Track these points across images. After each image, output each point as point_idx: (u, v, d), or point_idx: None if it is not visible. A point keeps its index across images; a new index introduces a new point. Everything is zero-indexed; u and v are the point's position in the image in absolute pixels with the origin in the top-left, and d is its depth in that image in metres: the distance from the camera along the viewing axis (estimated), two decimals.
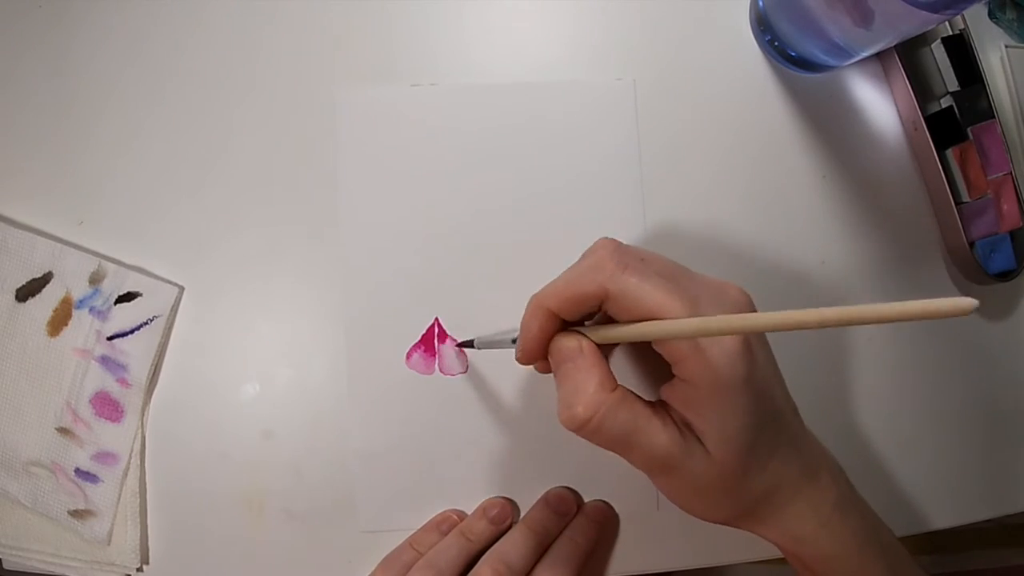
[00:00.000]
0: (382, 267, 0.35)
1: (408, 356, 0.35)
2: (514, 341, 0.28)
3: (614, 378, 0.25)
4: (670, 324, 0.23)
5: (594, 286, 0.24)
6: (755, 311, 0.26)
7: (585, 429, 0.24)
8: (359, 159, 0.35)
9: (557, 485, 0.35)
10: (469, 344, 0.33)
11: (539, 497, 0.34)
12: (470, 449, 0.35)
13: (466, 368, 0.35)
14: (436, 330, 0.35)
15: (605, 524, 0.34)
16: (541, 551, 0.32)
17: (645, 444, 0.25)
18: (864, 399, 0.37)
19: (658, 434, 0.24)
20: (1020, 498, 0.38)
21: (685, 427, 0.25)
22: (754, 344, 0.25)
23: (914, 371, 0.37)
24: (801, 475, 0.27)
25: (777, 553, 0.31)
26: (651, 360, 0.28)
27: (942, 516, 0.37)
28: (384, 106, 0.36)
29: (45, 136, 0.36)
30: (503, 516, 0.33)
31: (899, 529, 0.36)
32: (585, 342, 0.25)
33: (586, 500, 0.35)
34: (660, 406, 0.26)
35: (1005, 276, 0.36)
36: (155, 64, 0.36)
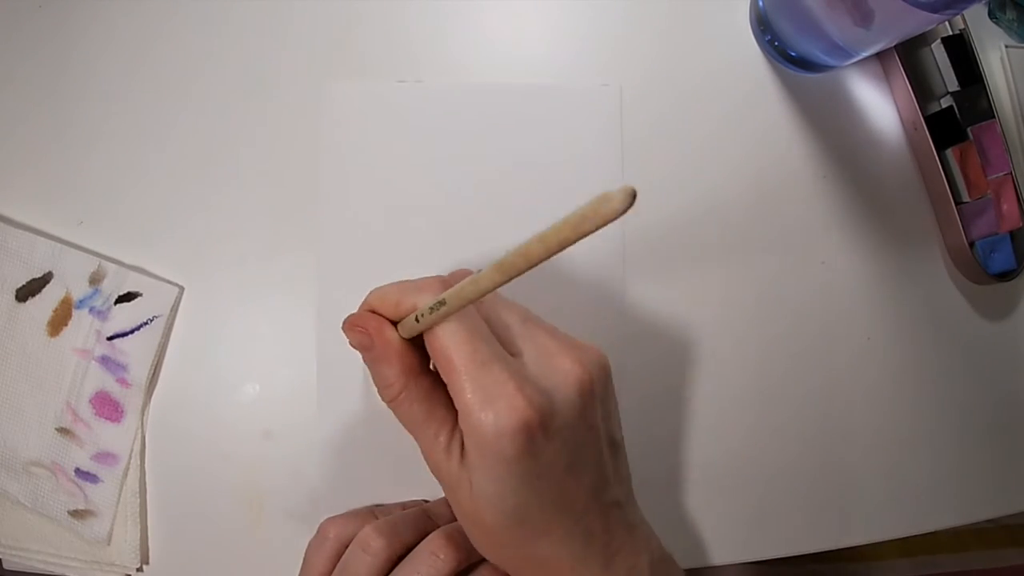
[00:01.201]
0: (359, 262, 0.35)
1: None
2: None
3: (427, 366, 0.26)
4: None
5: (407, 302, 0.24)
6: (582, 391, 0.24)
7: (395, 404, 0.25)
8: (343, 154, 0.35)
9: None
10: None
11: None
12: None
13: None
14: None
15: None
16: None
17: (428, 446, 0.25)
18: (864, 399, 0.37)
19: (440, 447, 0.24)
20: (1020, 498, 0.38)
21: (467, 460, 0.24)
22: (555, 425, 0.23)
23: (914, 371, 0.37)
24: (580, 561, 0.25)
25: (775, 553, 0.31)
26: None
27: (942, 516, 0.37)
28: (369, 101, 0.36)
29: (45, 136, 0.36)
30: None
31: (899, 529, 0.36)
32: (380, 331, 0.25)
33: None
34: (457, 427, 0.25)
35: (1005, 276, 0.36)
36: (154, 65, 0.36)
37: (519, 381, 0.22)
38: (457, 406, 0.23)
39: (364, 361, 0.26)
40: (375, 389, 0.31)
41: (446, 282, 0.25)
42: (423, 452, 0.25)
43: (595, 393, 0.24)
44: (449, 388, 0.24)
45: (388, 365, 0.25)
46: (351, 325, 0.26)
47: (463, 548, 0.28)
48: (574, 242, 0.16)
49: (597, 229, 0.15)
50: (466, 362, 0.23)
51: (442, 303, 0.22)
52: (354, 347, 0.26)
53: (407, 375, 0.25)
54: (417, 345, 0.26)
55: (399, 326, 0.25)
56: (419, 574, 0.28)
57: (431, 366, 0.26)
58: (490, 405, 0.22)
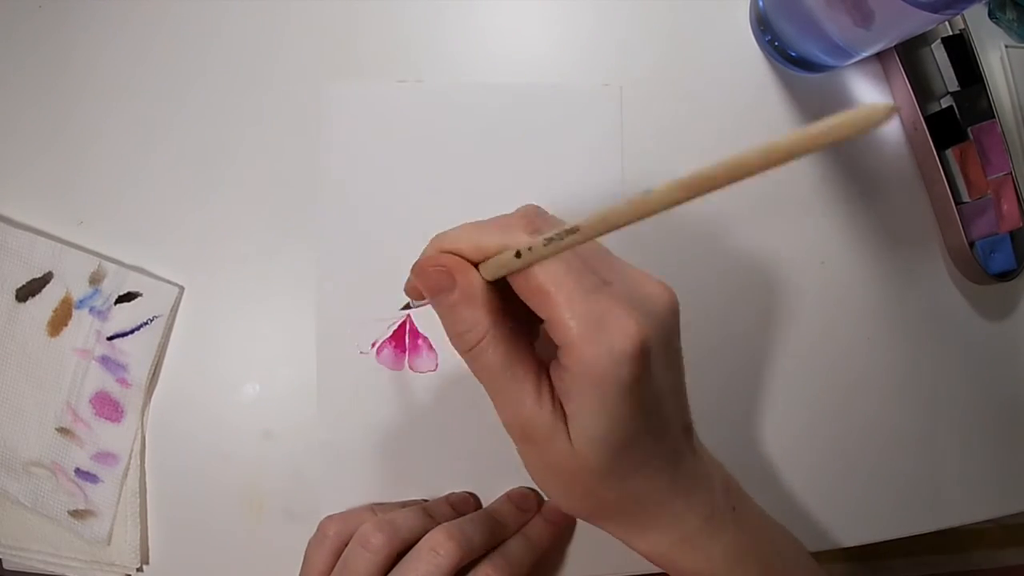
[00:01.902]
0: (358, 261, 0.35)
1: (379, 351, 0.35)
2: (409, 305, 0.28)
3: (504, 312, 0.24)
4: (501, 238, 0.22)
5: (494, 242, 0.23)
6: (675, 314, 0.24)
7: (476, 350, 0.23)
8: (343, 154, 0.35)
9: (525, 486, 0.35)
10: (407, 306, 0.31)
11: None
12: (437, 446, 0.35)
13: (436, 366, 0.35)
14: (408, 327, 0.35)
15: (560, 527, 0.34)
16: (495, 541, 0.31)
17: (513, 398, 0.23)
18: (864, 399, 0.37)
19: (528, 395, 0.23)
20: (1020, 498, 0.38)
21: (559, 407, 0.23)
22: (654, 352, 0.22)
23: (914, 371, 0.37)
24: (670, 490, 0.25)
25: None
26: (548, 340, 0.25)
27: (942, 516, 0.37)
28: (369, 101, 0.36)
29: (45, 136, 0.36)
30: (465, 504, 0.33)
31: (900, 529, 0.36)
32: (462, 270, 0.23)
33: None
34: (544, 373, 0.24)
35: (1005, 276, 0.36)
36: (153, 65, 0.36)
37: (627, 307, 0.22)
38: (560, 341, 0.22)
39: (437, 308, 0.24)
40: (375, 389, 0.31)
41: (527, 220, 0.23)
42: (504, 407, 0.24)
43: (678, 317, 0.25)
44: (550, 324, 0.22)
45: (472, 306, 0.23)
46: (425, 267, 0.24)
47: (462, 545, 0.28)
48: (807, 152, 0.15)
49: (851, 137, 0.14)
50: (570, 293, 0.21)
51: (573, 230, 0.19)
52: (427, 291, 0.24)
53: (493, 316, 0.23)
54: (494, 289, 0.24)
55: (482, 267, 0.23)
56: (419, 571, 0.28)
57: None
58: (604, 332, 0.21)
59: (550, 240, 0.20)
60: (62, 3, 0.37)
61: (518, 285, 0.23)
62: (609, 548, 0.35)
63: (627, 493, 0.24)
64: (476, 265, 0.24)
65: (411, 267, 0.25)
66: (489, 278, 0.23)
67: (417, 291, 0.26)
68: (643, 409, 0.23)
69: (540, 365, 0.24)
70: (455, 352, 0.34)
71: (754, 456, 0.36)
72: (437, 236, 0.25)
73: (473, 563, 0.30)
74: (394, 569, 0.28)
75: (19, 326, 0.34)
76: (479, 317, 0.23)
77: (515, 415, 0.23)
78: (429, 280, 0.24)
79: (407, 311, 0.34)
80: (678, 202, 0.17)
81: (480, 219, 0.24)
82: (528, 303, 0.23)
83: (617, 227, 0.19)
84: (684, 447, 0.26)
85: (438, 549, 0.28)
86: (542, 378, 0.23)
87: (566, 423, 0.23)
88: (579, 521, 0.35)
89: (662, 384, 0.23)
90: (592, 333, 0.21)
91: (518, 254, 0.22)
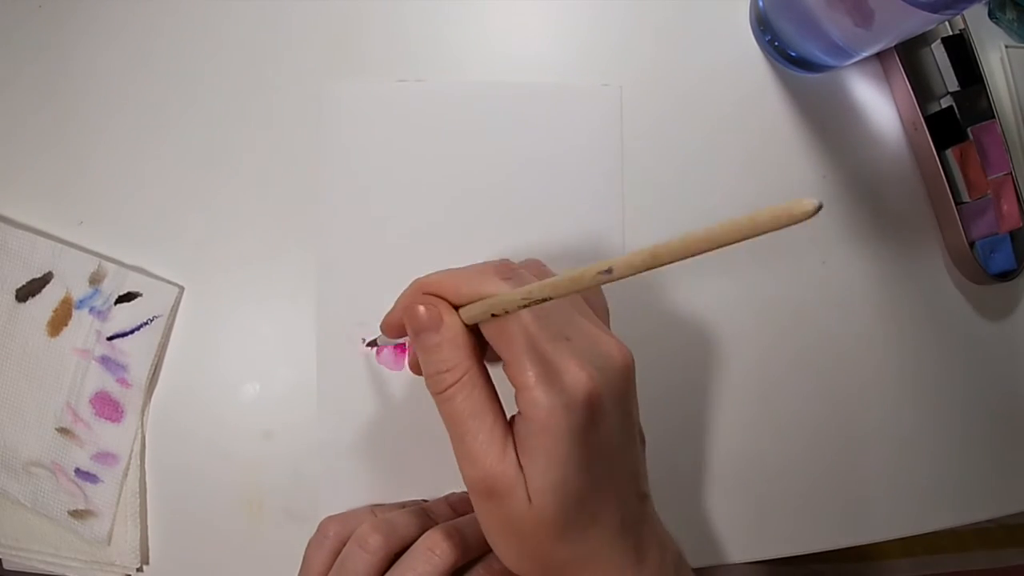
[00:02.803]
0: (359, 263, 0.35)
1: (379, 351, 0.35)
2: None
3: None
4: (503, 293, 0.22)
5: (474, 290, 0.24)
6: (628, 374, 0.25)
7: (450, 392, 0.24)
8: (344, 153, 0.35)
9: None
10: (373, 343, 0.33)
11: None
12: (437, 446, 0.35)
13: None
14: None
15: None
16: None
17: (480, 448, 0.23)
18: (864, 399, 0.37)
19: (495, 444, 0.23)
20: (1020, 498, 0.38)
21: (519, 462, 0.24)
22: (606, 407, 0.23)
23: (914, 371, 0.37)
24: (621, 554, 0.25)
25: (775, 553, 0.31)
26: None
27: (942, 516, 0.37)
28: (369, 101, 0.36)
29: (45, 137, 0.36)
30: (464, 504, 0.33)
31: (900, 529, 0.36)
32: (447, 312, 0.24)
33: None
34: (508, 426, 0.24)
35: (1005, 276, 0.36)
36: (154, 65, 0.36)
37: (580, 359, 0.23)
38: (518, 384, 0.23)
39: (420, 347, 0.25)
40: (375, 389, 0.31)
41: (500, 270, 0.24)
42: (469, 457, 0.24)
43: (633, 381, 0.25)
44: (509, 365, 0.23)
45: (455, 347, 0.24)
46: (414, 303, 0.24)
47: (459, 545, 0.28)
48: (744, 239, 0.16)
49: (779, 229, 0.16)
50: (533, 340, 0.23)
51: (544, 299, 0.21)
52: (413, 329, 0.25)
53: (472, 360, 0.24)
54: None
55: (461, 311, 0.24)
56: (415, 571, 0.28)
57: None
58: (557, 379, 0.22)
59: (527, 303, 0.22)
60: (62, 3, 0.37)
61: (488, 328, 0.24)
62: None
63: (579, 553, 0.24)
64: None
65: (394, 306, 0.26)
66: (468, 323, 0.24)
67: (395, 328, 0.27)
68: (595, 460, 0.23)
69: (504, 417, 0.24)
70: None
71: (752, 453, 0.36)
72: (418, 280, 0.26)
73: (469, 564, 0.29)
74: (391, 569, 0.28)
75: (19, 326, 0.34)
76: (460, 358, 0.24)
77: (480, 467, 0.24)
78: (418, 318, 0.24)
79: (374, 347, 0.34)
80: (637, 271, 0.19)
81: (455, 267, 0.26)
82: (491, 342, 0.24)
83: (585, 289, 0.20)
84: (638, 513, 0.26)
85: (435, 549, 0.28)
86: (507, 430, 0.24)
87: (525, 478, 0.23)
88: None
89: (614, 441, 0.24)
90: (548, 378, 0.22)
91: (500, 313, 0.23)
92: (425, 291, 0.25)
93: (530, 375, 0.23)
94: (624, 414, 0.25)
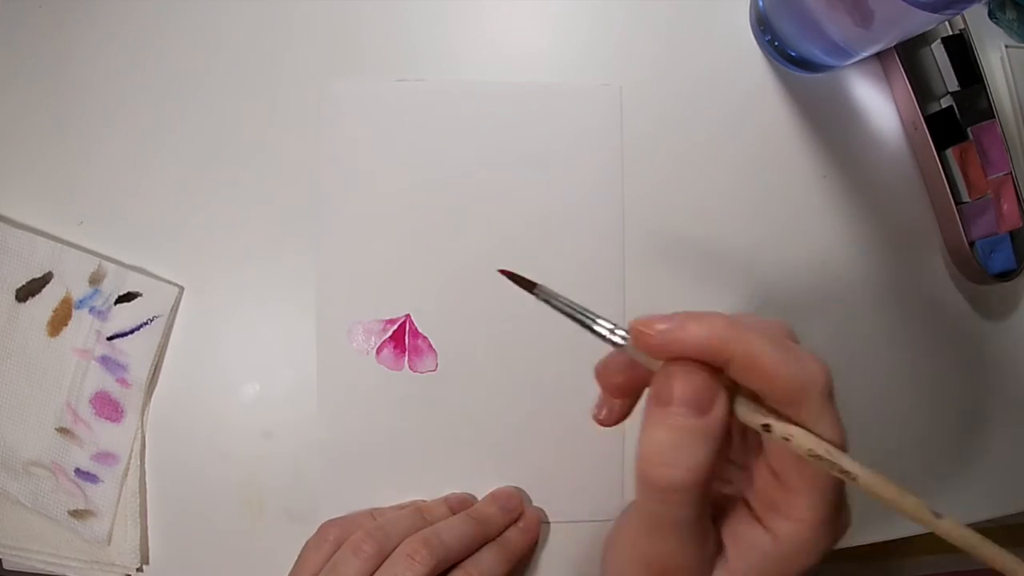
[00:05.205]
0: (358, 261, 0.35)
1: (379, 351, 0.35)
2: (613, 331, 0.22)
3: None
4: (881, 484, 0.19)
5: (790, 372, 0.19)
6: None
7: (675, 495, 0.19)
8: (343, 153, 0.35)
9: (513, 485, 0.35)
10: (529, 285, 0.23)
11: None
12: (437, 446, 0.35)
13: (436, 366, 0.35)
14: (408, 327, 0.35)
15: (536, 537, 0.34)
16: (477, 544, 0.32)
17: (683, 550, 0.20)
18: (863, 399, 0.37)
19: (693, 543, 0.20)
20: (1020, 498, 0.38)
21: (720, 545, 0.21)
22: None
23: (914, 371, 0.37)
24: None
25: None
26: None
27: None
28: (370, 100, 0.36)
29: (46, 137, 0.36)
30: (463, 505, 0.34)
31: (899, 530, 0.36)
32: (722, 397, 0.19)
33: (549, 501, 0.35)
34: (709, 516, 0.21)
35: (1005, 276, 0.36)
36: (154, 65, 0.36)
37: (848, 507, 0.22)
38: (795, 516, 0.20)
39: (660, 419, 0.19)
40: (375, 389, 0.31)
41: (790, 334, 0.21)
42: (663, 549, 0.20)
43: None
44: (789, 506, 0.20)
45: (707, 444, 0.19)
46: (685, 364, 0.19)
47: (438, 551, 0.29)
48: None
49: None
50: (836, 484, 0.20)
51: (854, 477, 0.19)
52: (667, 392, 0.19)
53: (711, 467, 0.19)
54: None
55: (737, 406, 0.19)
56: None
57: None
58: (836, 529, 0.21)
59: (835, 466, 0.19)
60: (62, 3, 0.37)
61: (776, 439, 0.20)
62: (583, 557, 0.35)
63: None
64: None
65: (691, 322, 0.19)
66: (739, 418, 0.19)
67: (651, 349, 0.21)
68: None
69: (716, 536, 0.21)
70: (455, 353, 0.34)
71: None
72: (691, 315, 0.19)
73: (450, 569, 0.30)
74: (375, 574, 0.29)
75: (19, 326, 0.34)
76: (703, 459, 0.19)
77: (669, 559, 0.20)
78: (686, 383, 0.19)
79: (618, 347, 0.23)
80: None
81: (745, 322, 0.20)
82: (768, 449, 0.21)
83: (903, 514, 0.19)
84: None
85: (414, 556, 0.29)
86: (719, 551, 0.21)
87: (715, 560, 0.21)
88: (554, 528, 0.35)
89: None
90: (831, 525, 0.21)
91: (810, 453, 0.19)
92: (699, 343, 0.19)
93: (819, 513, 0.20)
94: None
